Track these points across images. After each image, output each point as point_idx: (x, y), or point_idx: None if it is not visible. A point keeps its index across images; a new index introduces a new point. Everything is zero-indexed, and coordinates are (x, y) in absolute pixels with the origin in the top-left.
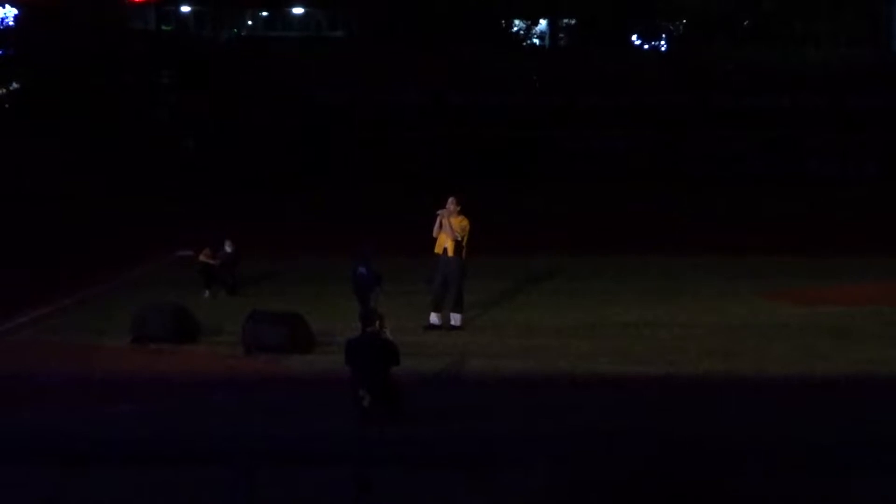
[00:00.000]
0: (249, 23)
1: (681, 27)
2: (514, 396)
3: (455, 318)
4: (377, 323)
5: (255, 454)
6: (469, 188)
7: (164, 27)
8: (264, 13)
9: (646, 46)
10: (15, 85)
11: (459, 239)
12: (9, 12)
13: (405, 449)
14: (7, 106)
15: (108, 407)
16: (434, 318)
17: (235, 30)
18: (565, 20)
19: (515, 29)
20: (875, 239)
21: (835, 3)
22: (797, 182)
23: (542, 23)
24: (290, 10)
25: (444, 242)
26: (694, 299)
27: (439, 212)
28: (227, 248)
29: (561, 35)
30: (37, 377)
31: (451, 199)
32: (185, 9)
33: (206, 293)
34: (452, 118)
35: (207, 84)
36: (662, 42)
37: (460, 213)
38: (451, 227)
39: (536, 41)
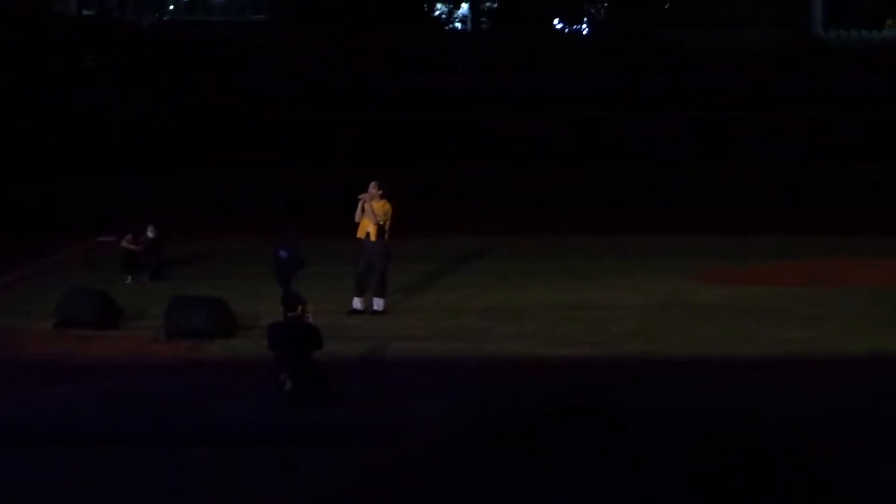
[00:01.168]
0: (171, 7)
1: (602, 10)
2: (437, 379)
3: (378, 303)
4: (299, 307)
5: (183, 436)
6: (393, 170)
7: (85, 11)
8: None
9: (567, 30)
10: None
11: (382, 223)
12: None
13: (329, 431)
14: None
15: (33, 389)
16: (357, 302)
17: (157, 14)
18: (487, 4)
19: (437, 13)
20: (799, 219)
21: None
22: (722, 162)
23: (464, 6)
24: None
25: (367, 227)
26: (619, 280)
27: (361, 196)
28: (150, 234)
29: (483, 19)
30: None
31: (372, 184)
32: None
33: (129, 279)
34: (377, 102)
35: (132, 68)
36: (584, 25)
37: (382, 196)
38: (373, 211)
39: (458, 25)
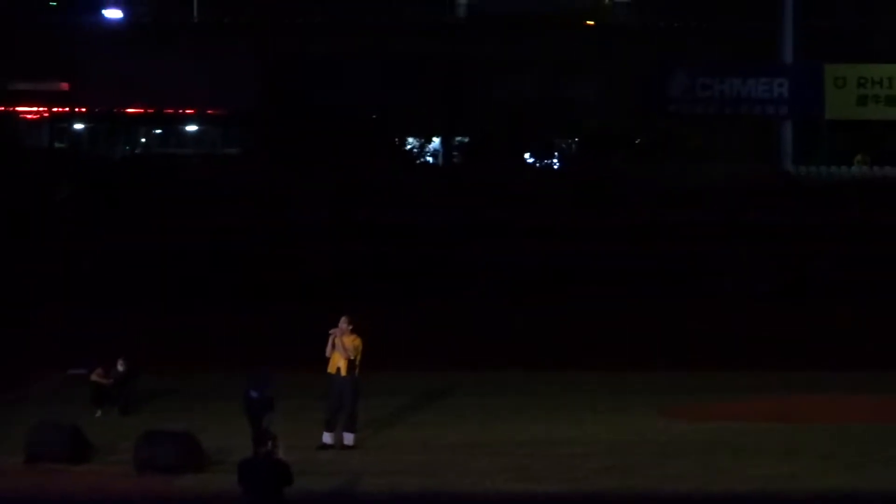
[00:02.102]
0: (143, 140)
1: (572, 145)
2: None
3: (348, 438)
4: (269, 443)
5: None
6: (365, 305)
7: (56, 144)
8: (158, 130)
9: (538, 165)
10: None
11: (353, 358)
12: None
13: None
14: None
15: None
16: (327, 437)
17: (127, 147)
18: (458, 138)
19: (409, 147)
20: (770, 355)
21: (728, 121)
22: (694, 297)
23: (436, 141)
24: (184, 128)
25: (338, 362)
26: (591, 416)
27: (332, 331)
28: (120, 367)
29: (455, 153)
30: None
31: (343, 319)
32: (79, 126)
33: (98, 412)
34: (351, 234)
35: (105, 200)
36: (555, 161)
37: (353, 331)
38: (343, 346)
39: (430, 159)
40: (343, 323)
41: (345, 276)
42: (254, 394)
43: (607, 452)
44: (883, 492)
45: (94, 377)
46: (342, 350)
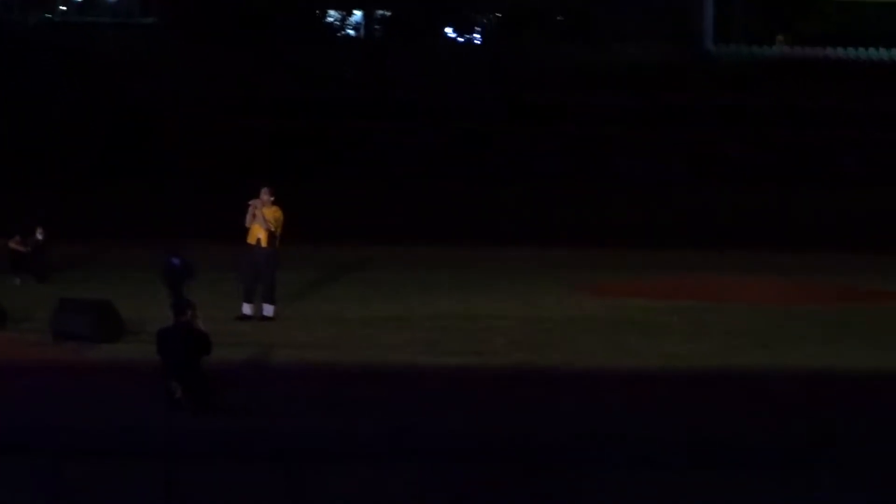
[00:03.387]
0: (62, 7)
1: (493, 21)
2: (322, 389)
3: (268, 309)
4: (189, 312)
5: (62, 446)
6: (282, 179)
7: None
8: None
9: (460, 39)
10: None
11: (273, 230)
12: None
13: (213, 442)
14: None
15: None
16: (246, 308)
17: (48, 14)
18: (380, 12)
19: (330, 20)
20: (678, 235)
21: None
22: (606, 179)
23: (357, 14)
24: None
25: (258, 233)
26: (503, 291)
27: (252, 202)
28: (38, 236)
29: (376, 27)
30: None
31: (264, 190)
32: None
33: (17, 280)
34: (265, 111)
35: (18, 69)
36: (476, 35)
37: (273, 203)
38: (264, 217)
39: (351, 32)
40: (264, 194)
41: (261, 151)
42: (175, 260)
43: (518, 327)
44: (790, 368)
45: (11, 244)
46: (262, 221)
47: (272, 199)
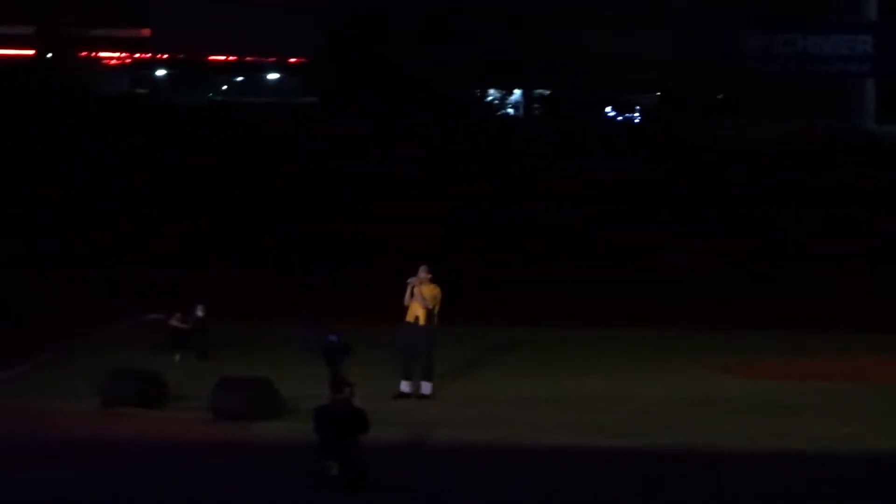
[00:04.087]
0: (224, 87)
1: (653, 99)
2: (479, 468)
3: (426, 387)
4: (347, 390)
5: None
6: (442, 258)
7: (138, 90)
8: (238, 78)
9: (619, 118)
10: None
11: (431, 307)
12: None
13: None
14: None
15: (77, 471)
16: (405, 385)
17: (210, 94)
18: (538, 91)
19: (490, 99)
20: (831, 315)
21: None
22: (758, 257)
23: (517, 93)
24: (264, 76)
25: (416, 311)
26: (651, 372)
27: (410, 280)
28: (199, 313)
29: (536, 105)
30: (7, 441)
31: (422, 267)
32: (160, 72)
33: (177, 357)
34: (427, 190)
35: (177, 149)
36: (636, 115)
37: (431, 281)
38: (422, 295)
39: (511, 111)
40: (422, 272)
41: (427, 233)
42: (333, 338)
43: (668, 409)
44: None
45: (173, 322)
46: (420, 299)
47: (430, 276)
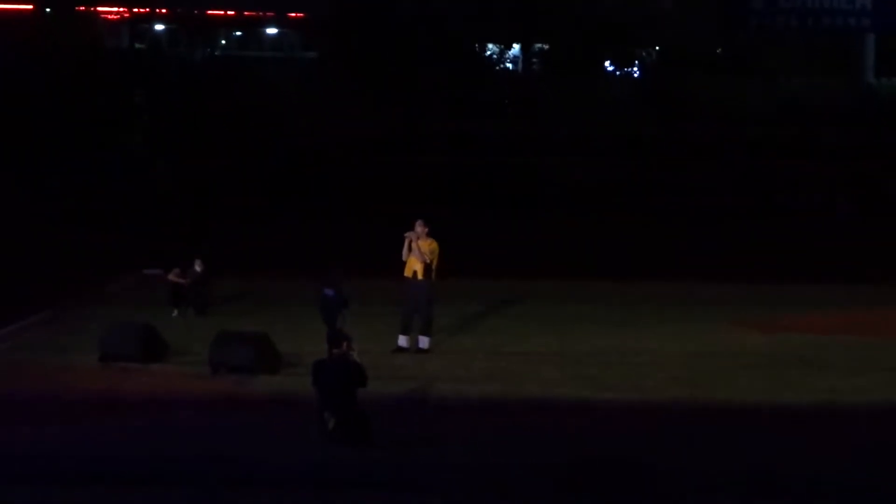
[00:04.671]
0: (223, 42)
1: (653, 54)
2: (480, 422)
3: (423, 342)
4: (344, 345)
5: (222, 476)
6: (441, 213)
7: (137, 45)
8: (238, 33)
9: (618, 73)
10: None
11: (429, 262)
12: None
13: (370, 472)
14: None
15: (76, 426)
16: (402, 340)
17: (210, 49)
18: (538, 45)
19: (488, 53)
20: (842, 270)
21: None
22: (767, 213)
23: (515, 47)
24: (264, 30)
25: (414, 266)
26: (663, 326)
27: (407, 234)
28: (197, 268)
29: (534, 60)
30: (7, 397)
31: (418, 222)
32: (159, 27)
33: (175, 312)
34: (425, 144)
35: (181, 105)
36: (635, 69)
37: (428, 235)
38: (419, 250)
39: (510, 66)
40: (418, 226)
41: (419, 184)
42: (328, 291)
43: (678, 362)
44: None
45: (171, 277)
46: (418, 254)
47: (426, 230)
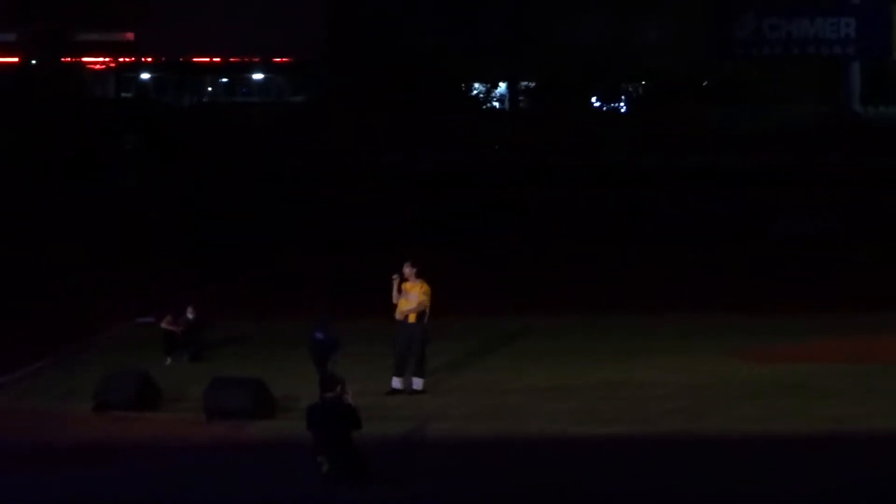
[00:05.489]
0: (210, 89)
1: (640, 89)
2: (481, 459)
3: (417, 383)
4: (338, 387)
5: None
6: (434, 249)
7: (123, 94)
8: (224, 79)
9: (604, 108)
10: None
11: (425, 308)
12: None
13: None
14: None
15: (71, 472)
16: (396, 382)
17: (196, 97)
18: (524, 83)
19: (475, 92)
20: (838, 297)
21: (793, 63)
22: (762, 241)
23: (502, 86)
24: (251, 76)
25: (404, 308)
26: (660, 358)
27: (395, 276)
28: (189, 315)
29: (521, 98)
30: (4, 444)
31: (406, 264)
32: (145, 76)
33: (168, 360)
34: (416, 180)
35: (171, 150)
36: (622, 104)
37: (418, 276)
38: (407, 293)
39: (496, 104)
40: (406, 268)
41: (413, 223)
42: (319, 335)
43: (674, 395)
44: None
45: (163, 325)
46: (408, 296)
47: (415, 270)
